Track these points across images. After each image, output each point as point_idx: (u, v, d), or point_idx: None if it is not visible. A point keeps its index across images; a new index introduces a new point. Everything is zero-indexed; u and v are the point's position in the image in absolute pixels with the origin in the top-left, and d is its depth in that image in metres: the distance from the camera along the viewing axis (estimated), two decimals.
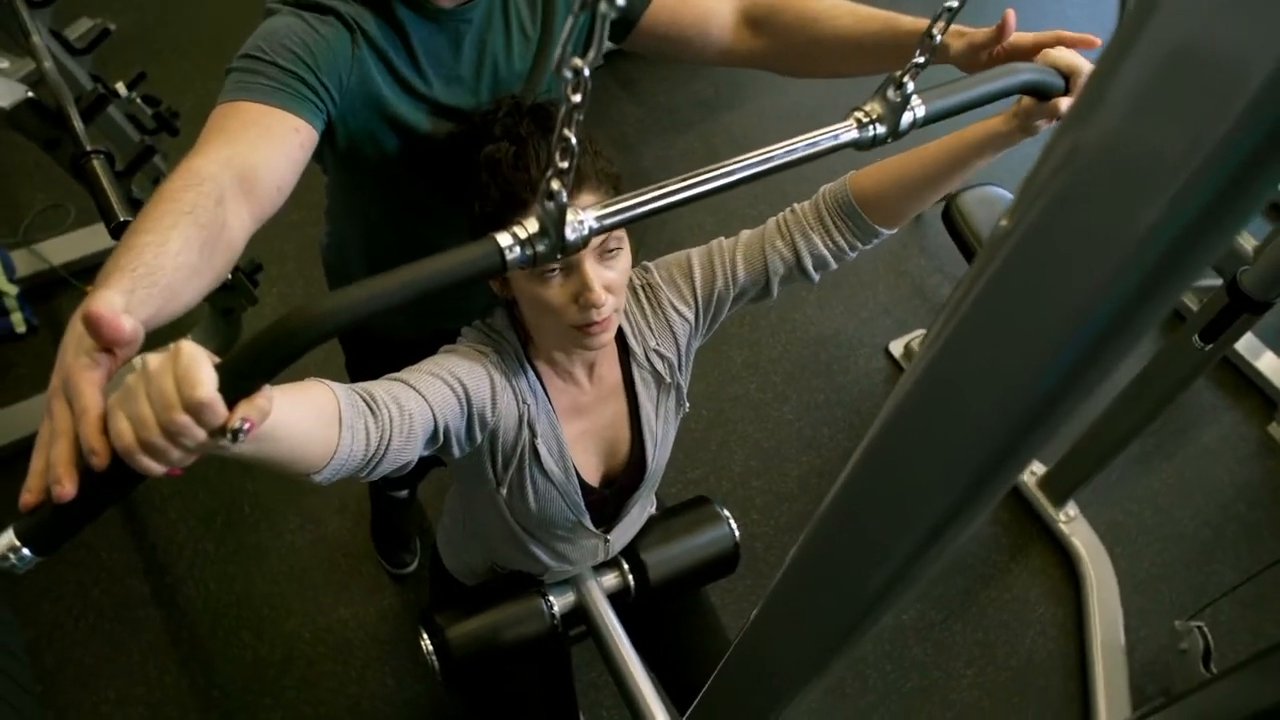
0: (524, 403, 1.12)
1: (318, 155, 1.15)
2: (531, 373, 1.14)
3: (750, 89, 3.42)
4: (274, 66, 1.00)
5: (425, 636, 1.31)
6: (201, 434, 0.60)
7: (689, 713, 0.99)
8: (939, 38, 0.71)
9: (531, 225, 0.64)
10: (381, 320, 1.43)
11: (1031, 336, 0.41)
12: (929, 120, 0.83)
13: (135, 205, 1.95)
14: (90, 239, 2.58)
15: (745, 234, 1.19)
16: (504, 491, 1.18)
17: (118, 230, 1.51)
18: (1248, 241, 2.25)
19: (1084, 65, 0.96)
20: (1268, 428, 2.76)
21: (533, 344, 1.14)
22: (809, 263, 1.15)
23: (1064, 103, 0.97)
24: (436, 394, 1.01)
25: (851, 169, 1.16)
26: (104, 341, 0.64)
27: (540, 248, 0.64)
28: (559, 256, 0.65)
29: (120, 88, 2.19)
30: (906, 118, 0.77)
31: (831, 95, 2.78)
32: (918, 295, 2.90)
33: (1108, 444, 2.22)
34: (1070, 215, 0.37)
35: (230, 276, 2.09)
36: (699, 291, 1.19)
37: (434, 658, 1.31)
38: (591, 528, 1.29)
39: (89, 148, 1.58)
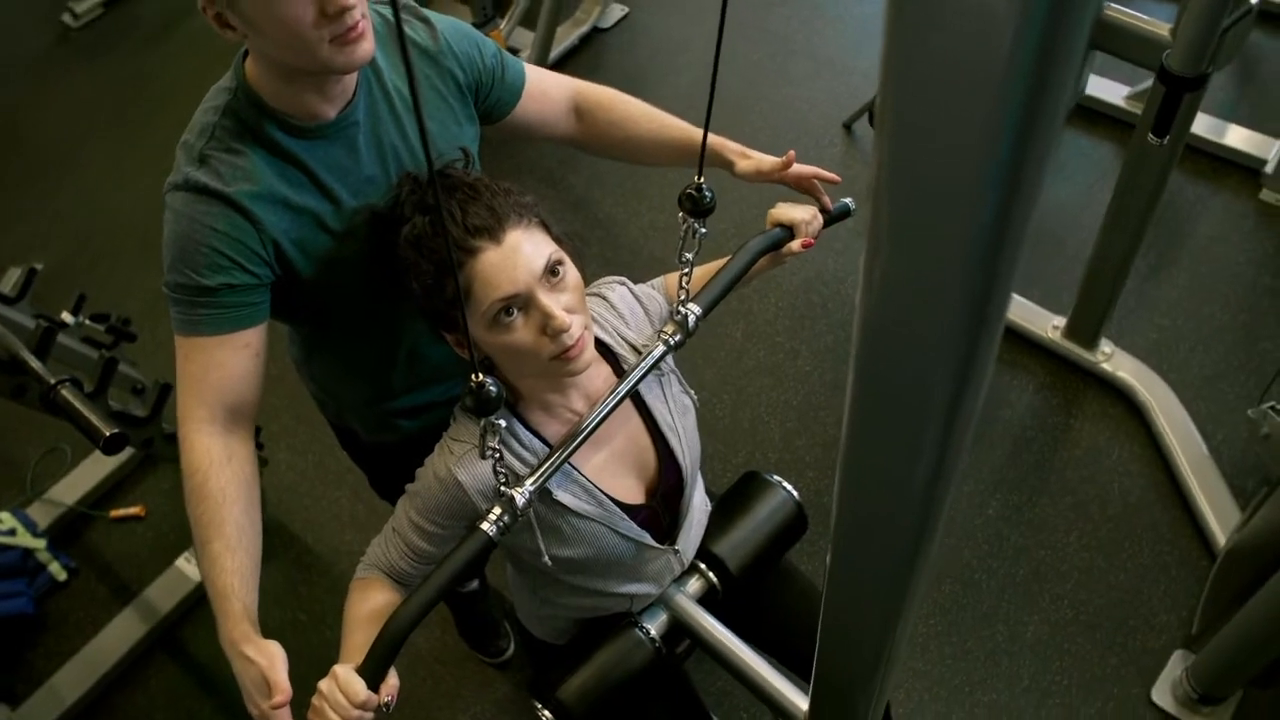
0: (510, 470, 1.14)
1: (274, 315, 1.19)
2: (526, 431, 1.14)
3: (648, 83, 3.43)
4: (204, 292, 1.10)
5: (540, 707, 1.30)
6: (370, 717, 0.98)
7: (813, 679, 0.98)
8: (685, 293, 1.15)
9: (497, 512, 1.00)
10: (389, 433, 1.45)
11: (955, 157, 0.40)
12: (706, 314, 1.18)
13: (118, 418, 1.96)
14: (95, 468, 2.59)
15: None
16: (548, 561, 1.18)
17: (109, 445, 1.51)
18: (1162, 29, 2.23)
19: (801, 217, 1.29)
20: (1259, 196, 2.74)
21: (522, 399, 1.15)
22: None
23: (795, 244, 1.29)
24: (439, 537, 1.15)
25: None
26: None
27: (507, 519, 1.01)
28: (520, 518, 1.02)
29: (66, 316, 2.22)
30: (691, 320, 1.16)
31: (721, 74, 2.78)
32: None
33: (1112, 272, 2.20)
34: (939, 39, 0.37)
35: None
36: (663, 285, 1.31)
37: None
38: (656, 545, 1.28)
39: (53, 381, 1.59)
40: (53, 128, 3.79)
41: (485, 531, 0.99)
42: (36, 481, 2.63)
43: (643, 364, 1.13)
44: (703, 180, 1.06)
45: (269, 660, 1.02)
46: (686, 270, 1.12)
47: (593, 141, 1.45)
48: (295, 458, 2.61)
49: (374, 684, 0.98)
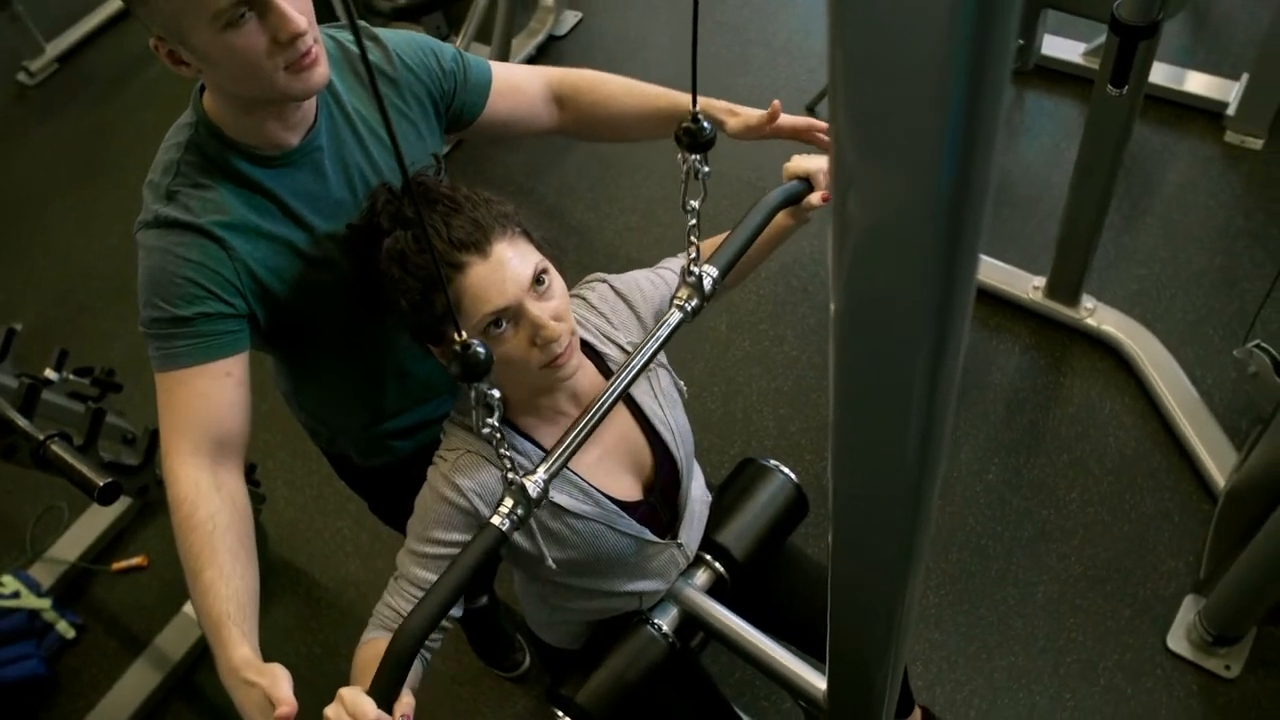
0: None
1: (258, 347, 1.18)
2: (519, 436, 1.14)
3: None
4: (179, 323, 1.08)
5: (560, 714, 1.30)
6: None
7: (828, 657, 0.98)
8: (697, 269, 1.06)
9: (509, 503, 0.92)
10: (383, 456, 1.43)
11: (906, 118, 0.40)
12: (723, 275, 1.08)
13: (111, 468, 1.95)
14: (93, 522, 2.57)
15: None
16: (551, 564, 1.17)
17: (103, 495, 1.51)
18: None
19: (819, 166, 1.21)
20: (1223, 138, 2.76)
21: (511, 404, 1.14)
22: None
23: (815, 197, 1.22)
24: (444, 560, 1.09)
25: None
26: None
27: (520, 512, 0.93)
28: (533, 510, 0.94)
29: (49, 373, 2.20)
30: (707, 283, 1.06)
31: (683, 67, 2.80)
32: None
33: (1086, 228, 2.21)
34: None
35: None
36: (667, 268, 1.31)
37: None
38: (657, 539, 1.28)
39: (42, 437, 1.58)
40: (18, 187, 3.77)
41: (497, 526, 0.91)
42: (36, 541, 2.61)
43: (658, 334, 1.05)
44: (698, 109, 0.99)
45: (271, 679, 0.95)
46: (694, 222, 1.04)
47: (579, 127, 1.42)
48: (294, 493, 2.60)
49: (385, 704, 0.90)
